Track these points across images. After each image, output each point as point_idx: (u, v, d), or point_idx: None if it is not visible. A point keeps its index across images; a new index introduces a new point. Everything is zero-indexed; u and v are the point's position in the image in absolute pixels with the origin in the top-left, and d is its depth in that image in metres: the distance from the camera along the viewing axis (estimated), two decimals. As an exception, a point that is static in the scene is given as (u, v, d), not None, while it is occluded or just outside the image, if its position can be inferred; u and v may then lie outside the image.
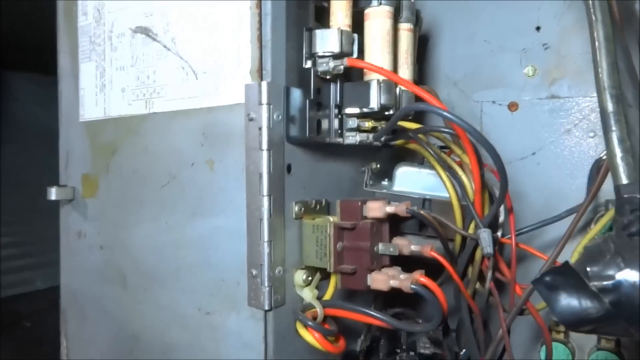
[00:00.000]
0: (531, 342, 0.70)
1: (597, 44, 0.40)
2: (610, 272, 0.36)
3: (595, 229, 0.55)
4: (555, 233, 0.61)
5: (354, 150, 0.65)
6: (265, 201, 0.53)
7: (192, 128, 0.59)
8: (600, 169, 0.61)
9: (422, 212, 0.54)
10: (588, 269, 0.37)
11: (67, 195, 0.73)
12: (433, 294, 0.51)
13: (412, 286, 0.52)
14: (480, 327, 0.56)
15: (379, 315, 0.55)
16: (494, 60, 0.71)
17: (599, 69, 0.40)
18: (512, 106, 0.70)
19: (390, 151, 0.71)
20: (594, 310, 0.36)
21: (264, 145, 0.52)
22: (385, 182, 0.69)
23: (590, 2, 0.40)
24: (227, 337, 0.57)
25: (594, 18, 0.40)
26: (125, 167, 0.66)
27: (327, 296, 0.58)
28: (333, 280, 0.59)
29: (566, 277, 0.37)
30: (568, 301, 0.37)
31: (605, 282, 0.36)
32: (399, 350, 0.66)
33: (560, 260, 0.53)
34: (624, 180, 0.38)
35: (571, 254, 0.57)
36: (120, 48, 0.66)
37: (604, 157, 0.62)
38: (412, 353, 0.67)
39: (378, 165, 0.69)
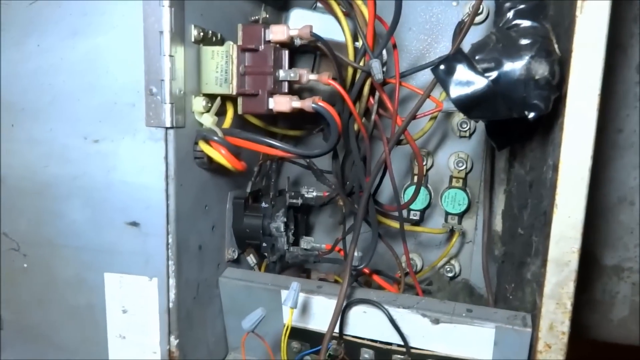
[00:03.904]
0: (406, 172, 0.79)
1: None
2: (493, 55, 0.43)
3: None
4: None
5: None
6: (166, 12, 0.50)
7: None
8: (462, 29, 0.71)
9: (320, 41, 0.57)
10: (476, 57, 0.44)
11: None
12: (330, 114, 0.55)
13: (314, 105, 0.55)
14: (368, 150, 0.62)
15: (278, 143, 0.57)
16: None
17: None
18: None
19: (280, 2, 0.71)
20: (480, 88, 0.43)
21: (165, -49, 0.49)
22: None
23: None
24: (121, 163, 0.54)
25: None
26: (-25, -16, 0.56)
27: (226, 125, 0.59)
28: (231, 111, 0.59)
29: (459, 61, 0.44)
30: (459, 82, 0.44)
31: (488, 64, 0.43)
32: (286, 191, 0.70)
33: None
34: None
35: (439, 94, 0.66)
36: None
37: (465, 19, 0.72)
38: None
39: (267, 15, 0.70)
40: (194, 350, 0.60)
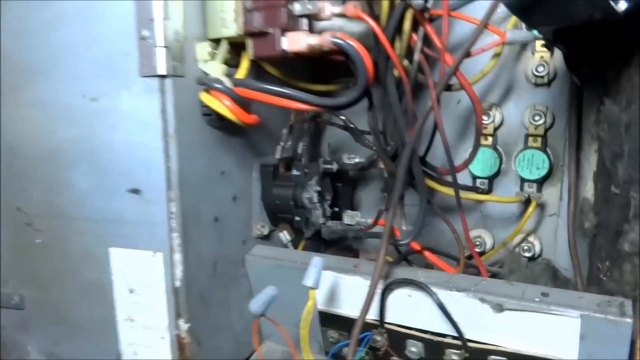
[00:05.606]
0: (461, 136, 0.66)
1: None
2: None
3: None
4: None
5: None
6: (153, -62, 0.43)
7: None
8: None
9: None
10: None
11: None
12: (354, 49, 0.45)
13: (333, 39, 0.45)
14: (410, 99, 0.50)
15: (296, 93, 0.48)
16: None
17: None
18: None
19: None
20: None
21: None
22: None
23: None
24: (120, 121, 0.48)
25: None
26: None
27: (239, 76, 0.51)
28: (246, 61, 0.51)
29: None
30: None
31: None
32: (322, 159, 0.61)
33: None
34: None
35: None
36: None
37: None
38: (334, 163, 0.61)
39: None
40: (214, 336, 0.53)
